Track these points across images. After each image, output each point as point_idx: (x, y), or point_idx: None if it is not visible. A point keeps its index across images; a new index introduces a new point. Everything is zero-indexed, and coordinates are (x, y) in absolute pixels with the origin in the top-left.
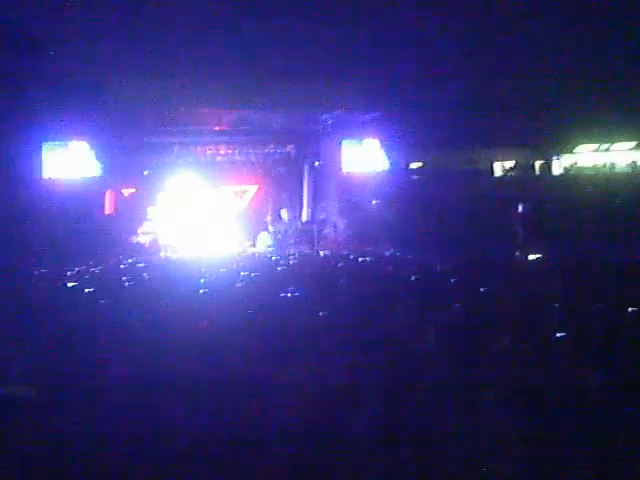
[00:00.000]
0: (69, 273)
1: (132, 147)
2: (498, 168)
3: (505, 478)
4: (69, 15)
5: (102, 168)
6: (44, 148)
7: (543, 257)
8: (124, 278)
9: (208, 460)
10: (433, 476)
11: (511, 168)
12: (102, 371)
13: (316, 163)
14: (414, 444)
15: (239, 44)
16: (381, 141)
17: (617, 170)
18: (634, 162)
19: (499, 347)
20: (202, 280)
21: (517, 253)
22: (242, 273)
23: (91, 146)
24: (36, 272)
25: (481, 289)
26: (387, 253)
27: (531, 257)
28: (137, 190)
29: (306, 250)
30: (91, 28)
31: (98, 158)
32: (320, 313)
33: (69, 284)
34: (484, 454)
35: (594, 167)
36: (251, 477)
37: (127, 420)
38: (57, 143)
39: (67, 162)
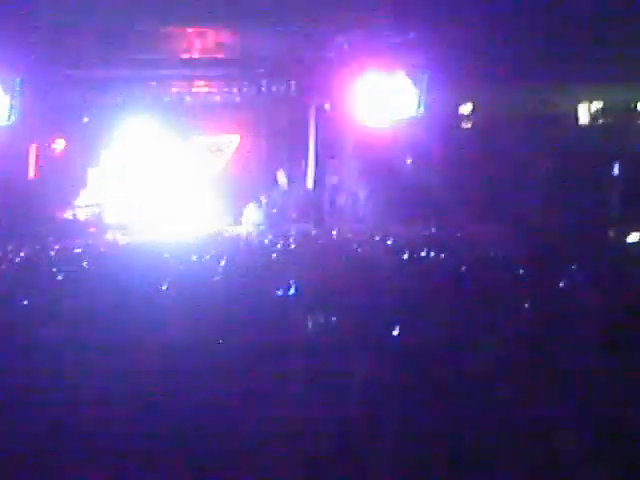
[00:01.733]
0: None
1: (64, 82)
2: (584, 112)
3: None
4: None
5: (18, 112)
6: None
7: None
8: (54, 270)
9: None
10: None
11: (602, 112)
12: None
13: (326, 105)
14: None
15: None
16: (417, 74)
17: None
18: None
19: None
20: (165, 273)
21: (611, 233)
22: (221, 262)
23: (1, 82)
24: None
25: (560, 284)
26: (426, 233)
27: (631, 238)
28: (72, 144)
29: (312, 229)
30: None
31: (12, 99)
32: (333, 318)
33: None
34: None
35: None
36: None
37: None
38: None
39: None
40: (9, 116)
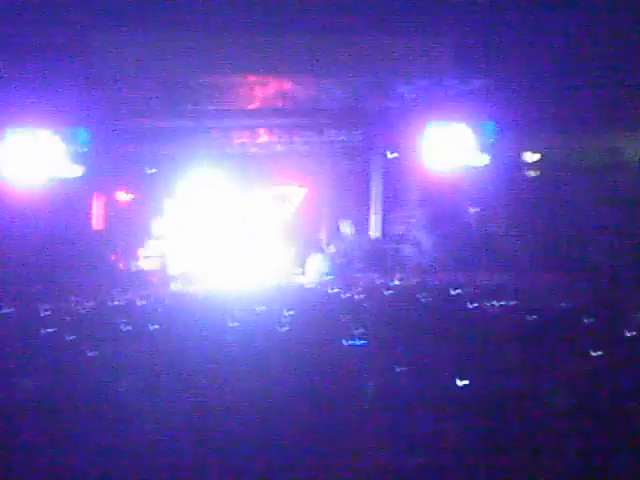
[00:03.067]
0: (43, 314)
1: (129, 135)
2: None
3: None
4: None
5: (83, 165)
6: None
7: None
8: (120, 321)
9: None
10: None
11: None
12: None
13: (390, 155)
14: None
15: None
16: (480, 124)
17: None
18: None
19: None
20: (231, 323)
21: None
22: (288, 313)
23: (64, 135)
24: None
25: (627, 334)
26: (492, 282)
27: None
28: (136, 195)
29: (377, 279)
30: None
31: (78, 150)
32: (397, 369)
33: (42, 330)
34: None
35: None
36: None
37: None
38: (19, 131)
39: (33, 158)
40: (74, 168)
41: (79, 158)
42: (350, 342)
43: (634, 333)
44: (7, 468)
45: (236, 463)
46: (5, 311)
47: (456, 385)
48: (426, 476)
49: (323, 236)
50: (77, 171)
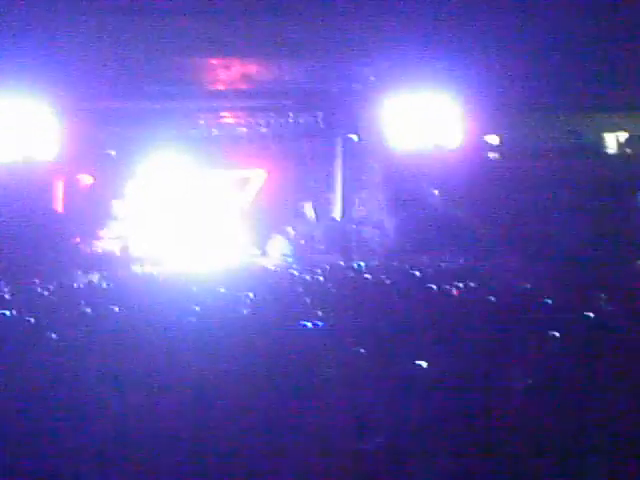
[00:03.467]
0: (5, 295)
1: (91, 115)
2: (611, 142)
3: None
4: None
5: (45, 147)
6: None
7: None
8: (81, 303)
9: None
10: None
11: (627, 142)
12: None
13: (353, 137)
14: None
15: None
16: (440, 106)
17: None
18: None
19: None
20: (193, 306)
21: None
22: (250, 295)
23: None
24: None
25: (587, 314)
26: (455, 263)
27: None
28: (98, 177)
29: (337, 260)
30: None
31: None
32: (358, 350)
33: (3, 311)
34: None
35: None
36: None
37: None
38: None
39: (11, 134)
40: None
41: (42, 140)
42: (310, 324)
43: (593, 314)
44: None
45: (192, 437)
46: None
47: (417, 366)
48: (384, 457)
49: (285, 218)
50: (39, 153)
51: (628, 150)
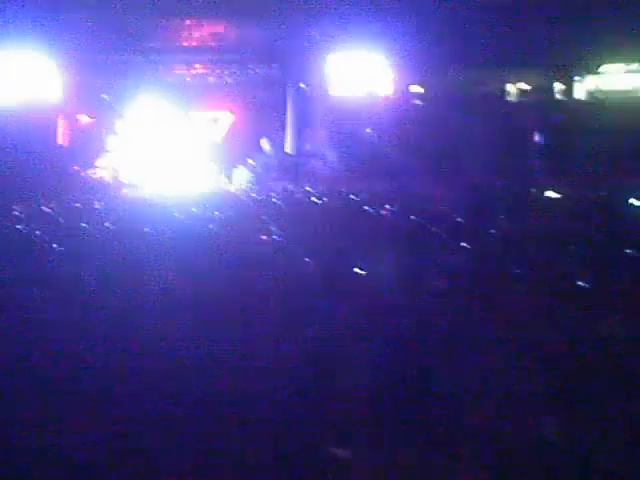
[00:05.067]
0: (16, 213)
1: (89, 66)
2: (511, 91)
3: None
4: None
5: (51, 90)
6: None
7: (562, 195)
8: (80, 220)
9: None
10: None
11: (526, 91)
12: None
13: (302, 85)
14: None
15: None
16: (375, 61)
17: None
18: None
19: (514, 298)
20: (171, 222)
21: (533, 190)
22: (216, 213)
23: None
24: None
25: (491, 230)
26: (381, 189)
27: (548, 194)
28: (94, 117)
29: (289, 186)
30: None
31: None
32: (306, 259)
33: (14, 226)
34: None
35: (623, 91)
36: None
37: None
38: (4, 48)
39: (16, 78)
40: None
41: (47, 86)
42: (265, 236)
43: (494, 231)
44: None
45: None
46: None
47: (353, 272)
48: (322, 341)
49: (247, 152)
50: (46, 95)
51: (524, 99)
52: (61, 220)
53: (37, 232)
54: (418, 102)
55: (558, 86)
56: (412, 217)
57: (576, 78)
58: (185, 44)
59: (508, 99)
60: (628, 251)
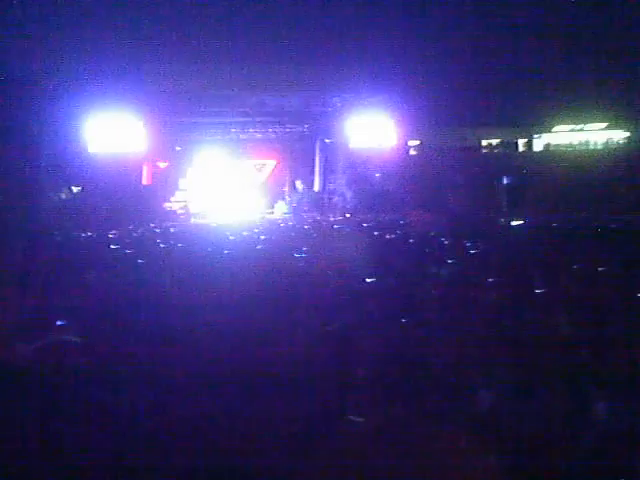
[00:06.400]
0: (111, 236)
1: (167, 125)
2: (484, 145)
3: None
4: None
5: (138, 143)
6: (91, 117)
7: (524, 223)
8: (159, 240)
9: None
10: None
11: (496, 145)
12: (140, 323)
13: (327, 140)
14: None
15: (263, 39)
16: (383, 121)
17: (589, 147)
18: (607, 140)
19: (487, 299)
20: (227, 242)
21: (502, 219)
22: (262, 237)
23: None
24: (83, 235)
25: (471, 250)
26: (386, 218)
27: (513, 223)
28: (170, 164)
29: (317, 216)
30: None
31: (134, 135)
32: (327, 271)
33: (111, 246)
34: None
35: (570, 145)
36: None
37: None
38: (105, 112)
39: (114, 134)
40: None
41: (135, 139)
42: (298, 253)
43: (473, 250)
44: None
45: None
46: (89, 234)
47: (365, 281)
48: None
49: (285, 190)
50: (135, 147)
51: (498, 151)
52: (144, 241)
53: (127, 251)
54: (415, 152)
55: (521, 141)
56: (410, 240)
57: (535, 135)
58: (239, 109)
59: (483, 150)
60: (573, 262)
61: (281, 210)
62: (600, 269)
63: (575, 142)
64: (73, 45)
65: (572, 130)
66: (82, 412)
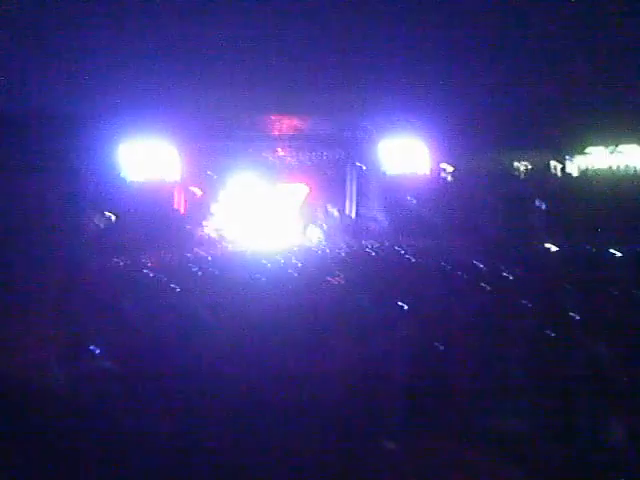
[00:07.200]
0: (146, 263)
1: (200, 151)
2: (519, 170)
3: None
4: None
5: (171, 170)
6: (126, 145)
7: (559, 248)
8: (193, 267)
9: None
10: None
11: (530, 168)
12: (174, 348)
13: (358, 164)
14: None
15: (296, 64)
16: (416, 146)
17: (622, 169)
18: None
19: (523, 326)
20: (261, 268)
21: (535, 245)
22: (294, 261)
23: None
24: (120, 262)
25: (504, 274)
26: (420, 244)
27: (548, 247)
28: (203, 189)
29: (349, 241)
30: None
31: (166, 161)
32: (360, 296)
33: (145, 272)
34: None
35: (603, 167)
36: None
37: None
38: (139, 139)
39: (149, 162)
40: (167, 171)
41: (168, 166)
42: (331, 278)
43: (506, 275)
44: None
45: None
46: (124, 261)
47: (399, 306)
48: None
49: (318, 215)
50: (168, 173)
51: (528, 174)
52: (178, 267)
53: (161, 276)
54: (447, 177)
55: (554, 164)
56: (442, 264)
57: (567, 157)
58: (272, 134)
59: (516, 174)
60: (609, 286)
61: (314, 235)
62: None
63: (610, 164)
64: (107, 74)
65: (606, 152)
66: (115, 439)
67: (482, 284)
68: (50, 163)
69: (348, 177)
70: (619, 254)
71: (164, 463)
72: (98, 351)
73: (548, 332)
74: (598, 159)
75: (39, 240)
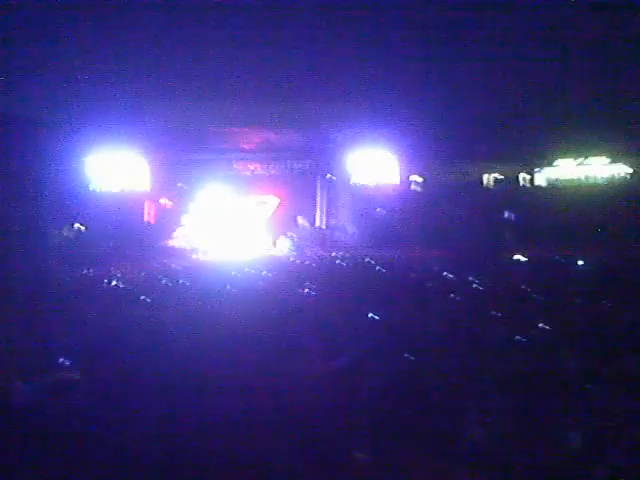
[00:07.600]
0: (116, 274)
1: (169, 162)
2: (486, 180)
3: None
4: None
5: (140, 180)
6: (96, 157)
7: (525, 257)
8: (160, 277)
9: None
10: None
11: (497, 180)
12: (141, 355)
13: (328, 176)
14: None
15: (265, 76)
16: (385, 157)
17: (590, 181)
18: (611, 175)
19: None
20: (228, 278)
21: (502, 253)
22: (264, 272)
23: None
24: (89, 274)
25: (473, 285)
26: (388, 254)
27: (515, 257)
28: (172, 200)
29: (319, 252)
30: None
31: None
32: (328, 304)
33: (109, 282)
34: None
35: (570, 179)
36: None
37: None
38: (108, 150)
39: (118, 173)
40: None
41: (137, 177)
42: (300, 289)
43: (475, 283)
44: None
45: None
46: (90, 271)
47: (367, 315)
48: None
49: (287, 226)
50: (138, 185)
51: (498, 185)
52: (147, 278)
53: (131, 287)
54: (416, 188)
55: (523, 175)
56: (412, 274)
57: (536, 169)
58: (242, 146)
59: (485, 185)
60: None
61: (284, 246)
62: (603, 303)
63: (578, 176)
64: (76, 84)
65: (574, 164)
66: (81, 451)
67: (452, 295)
68: (16, 173)
69: (318, 188)
70: (585, 264)
71: (130, 473)
72: (63, 362)
73: (518, 339)
74: (566, 171)
75: (4, 252)
